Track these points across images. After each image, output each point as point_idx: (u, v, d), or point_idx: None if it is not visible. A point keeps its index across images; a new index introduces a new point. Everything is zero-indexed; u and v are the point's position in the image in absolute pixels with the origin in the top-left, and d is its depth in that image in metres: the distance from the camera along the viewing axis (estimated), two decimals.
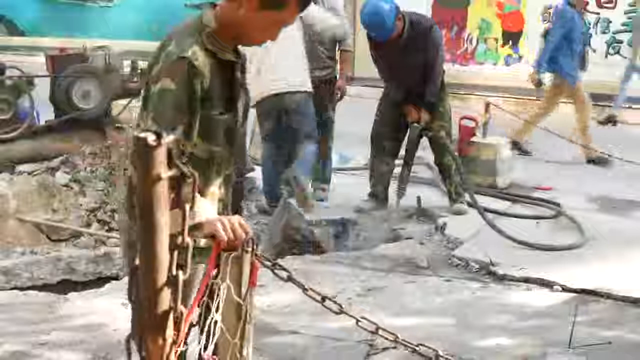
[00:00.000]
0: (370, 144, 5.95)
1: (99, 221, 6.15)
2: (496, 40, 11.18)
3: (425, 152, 6.37)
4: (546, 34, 8.07)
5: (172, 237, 1.47)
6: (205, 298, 1.92)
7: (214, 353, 1.90)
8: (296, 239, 5.34)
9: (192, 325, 1.76)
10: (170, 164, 1.40)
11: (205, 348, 1.87)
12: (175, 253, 1.48)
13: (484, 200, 5.81)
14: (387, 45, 5.49)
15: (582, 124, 7.75)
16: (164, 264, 1.46)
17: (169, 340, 1.53)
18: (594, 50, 10.12)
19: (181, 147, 2.13)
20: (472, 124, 6.73)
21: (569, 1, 7.72)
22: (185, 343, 1.83)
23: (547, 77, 7.99)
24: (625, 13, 10.15)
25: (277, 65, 5.48)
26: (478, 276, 4.66)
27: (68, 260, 5.39)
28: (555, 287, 4.43)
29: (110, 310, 4.01)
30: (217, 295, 1.88)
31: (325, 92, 5.98)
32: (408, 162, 5.85)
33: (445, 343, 3.37)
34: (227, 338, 1.92)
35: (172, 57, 2.17)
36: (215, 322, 1.87)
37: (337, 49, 6.13)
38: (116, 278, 5.05)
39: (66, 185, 6.23)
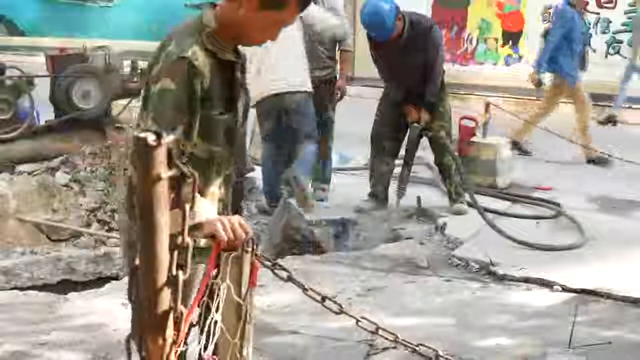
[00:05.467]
0: (370, 144, 5.95)
1: (99, 221, 6.15)
2: (496, 40, 11.18)
3: (425, 152, 6.37)
4: (546, 34, 8.07)
5: (172, 237, 1.47)
6: (205, 298, 1.91)
7: (214, 353, 1.90)
8: (296, 239, 5.34)
9: (192, 325, 1.76)
10: (170, 164, 1.40)
11: (205, 348, 1.87)
12: (175, 253, 1.48)
13: (484, 200, 5.81)
14: (387, 45, 5.49)
15: (582, 124, 7.75)
16: (164, 264, 1.46)
17: (169, 340, 1.53)
18: (594, 50, 10.11)
19: (181, 147, 2.13)
20: (472, 124, 6.73)
21: (569, 1, 7.72)
22: (185, 343, 1.83)
23: (547, 77, 7.99)
24: (625, 13, 10.15)
25: (277, 65, 5.48)
26: (478, 276, 4.66)
27: (68, 260, 5.39)
28: (555, 287, 4.43)
29: (110, 310, 4.00)
30: (217, 295, 1.88)
31: (325, 92, 5.98)
32: (408, 162, 5.85)
33: (445, 343, 3.37)
34: (227, 338, 1.92)
35: (172, 57, 2.17)
36: (215, 322, 1.87)
37: (337, 49, 6.13)
38: (116, 278, 5.05)
39: (66, 185, 6.23)
